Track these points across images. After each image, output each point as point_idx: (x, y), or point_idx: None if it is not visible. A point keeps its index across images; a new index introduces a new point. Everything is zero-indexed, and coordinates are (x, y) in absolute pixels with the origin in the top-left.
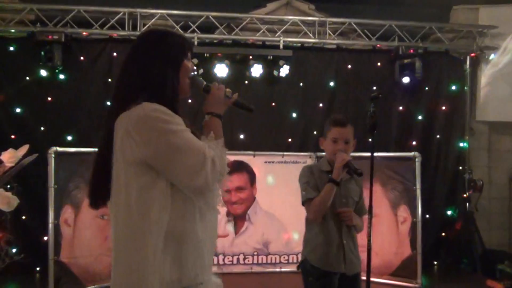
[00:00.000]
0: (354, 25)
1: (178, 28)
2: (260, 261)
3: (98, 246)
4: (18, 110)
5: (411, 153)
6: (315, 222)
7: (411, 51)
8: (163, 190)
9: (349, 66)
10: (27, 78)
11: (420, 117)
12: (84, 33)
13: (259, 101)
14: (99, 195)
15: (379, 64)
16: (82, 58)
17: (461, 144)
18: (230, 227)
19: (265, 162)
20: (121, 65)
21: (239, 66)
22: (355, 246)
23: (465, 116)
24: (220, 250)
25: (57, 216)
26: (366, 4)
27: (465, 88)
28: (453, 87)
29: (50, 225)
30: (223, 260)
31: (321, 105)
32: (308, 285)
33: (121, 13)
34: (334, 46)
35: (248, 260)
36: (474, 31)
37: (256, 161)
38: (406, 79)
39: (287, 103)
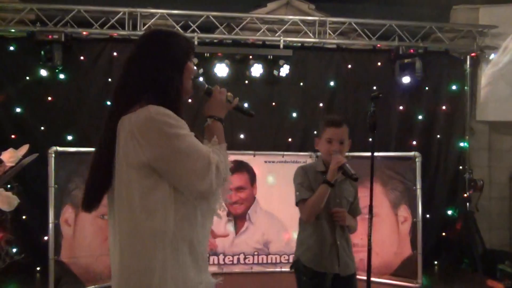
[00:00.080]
0: (354, 25)
1: (178, 28)
2: (260, 261)
3: (99, 246)
4: (18, 109)
5: (412, 153)
6: (308, 222)
7: (411, 51)
8: (166, 193)
9: (349, 66)
10: (27, 77)
11: (420, 117)
12: (84, 33)
13: (259, 101)
14: (95, 198)
15: (379, 64)
16: (82, 57)
17: (462, 144)
18: (230, 227)
19: (265, 162)
20: (123, 65)
21: (239, 66)
22: (349, 247)
23: (465, 116)
24: (221, 250)
25: (57, 216)
26: (366, 3)
27: (465, 88)
28: (453, 87)
29: (51, 225)
30: (224, 260)
31: (321, 104)
32: (301, 285)
33: (121, 13)
34: (334, 46)
35: (249, 260)
36: (474, 31)
37: (256, 160)
38: (406, 79)
39: (287, 103)
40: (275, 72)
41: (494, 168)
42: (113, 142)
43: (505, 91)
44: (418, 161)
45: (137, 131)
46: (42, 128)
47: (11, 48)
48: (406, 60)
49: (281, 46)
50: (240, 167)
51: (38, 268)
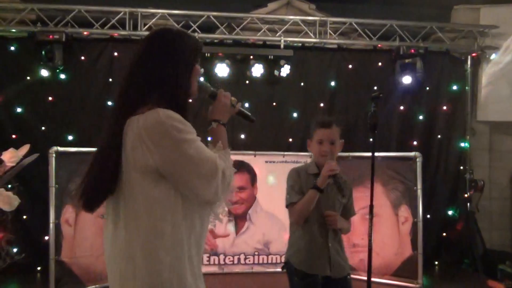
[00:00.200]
0: (355, 25)
1: (179, 28)
2: (261, 261)
3: (99, 246)
4: (19, 109)
5: (412, 153)
6: (297, 225)
7: (412, 51)
8: (172, 198)
9: (350, 66)
10: (28, 78)
11: (421, 117)
12: (85, 33)
13: (260, 101)
14: (98, 199)
15: (380, 64)
16: (83, 57)
17: (462, 144)
18: (231, 227)
19: (266, 162)
20: (131, 63)
21: (240, 66)
22: (342, 249)
23: (466, 116)
24: (221, 250)
25: (58, 215)
26: (367, 3)
27: (466, 88)
28: (454, 87)
29: (51, 225)
30: (224, 260)
31: (322, 105)
32: (293, 285)
33: (122, 13)
34: (335, 46)
35: (249, 260)
36: (475, 31)
37: (257, 160)
38: (407, 79)
39: (288, 103)
40: (276, 72)
41: (494, 168)
42: (120, 143)
43: (506, 91)
44: (419, 161)
45: (145, 135)
46: (43, 128)
47: (12, 48)
48: (406, 60)
49: (282, 46)
50: (241, 167)
51: (38, 268)
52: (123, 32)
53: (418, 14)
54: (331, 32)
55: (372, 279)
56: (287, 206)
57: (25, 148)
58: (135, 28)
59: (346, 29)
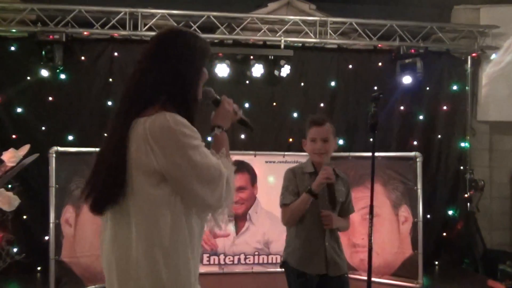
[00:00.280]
0: (355, 25)
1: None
2: (261, 261)
3: (100, 246)
4: (19, 110)
5: (412, 153)
6: (288, 226)
7: (412, 51)
8: (172, 200)
9: (350, 66)
10: (28, 78)
11: (421, 117)
12: (85, 33)
13: (260, 101)
14: (107, 202)
15: (380, 64)
16: (83, 58)
17: (462, 144)
18: (231, 227)
19: (266, 162)
20: (139, 62)
21: (240, 66)
22: (340, 247)
23: (466, 116)
24: (221, 250)
25: (58, 215)
26: (367, 4)
27: (466, 88)
28: (454, 87)
29: (51, 225)
30: (224, 260)
31: (322, 105)
32: (290, 283)
33: (122, 13)
34: (335, 46)
35: (249, 260)
36: (475, 31)
37: (257, 161)
38: (407, 79)
39: (288, 103)
40: (276, 72)
41: (495, 168)
42: (127, 145)
43: (506, 91)
44: (419, 161)
45: (151, 138)
46: (43, 128)
47: (12, 48)
48: (407, 60)
49: (282, 46)
50: (241, 167)
51: (39, 268)
52: (123, 32)
53: (418, 14)
54: (331, 32)
55: (372, 279)
56: (280, 206)
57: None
58: (135, 28)
59: (346, 29)
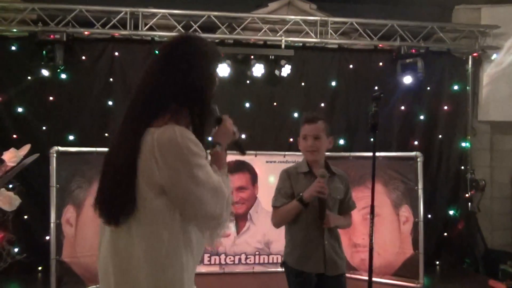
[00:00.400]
0: (356, 25)
1: (180, 28)
2: (261, 261)
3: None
4: (20, 109)
5: (413, 153)
6: (276, 227)
7: (413, 51)
8: (171, 211)
9: (351, 66)
10: (29, 77)
11: (422, 117)
12: (86, 33)
13: (260, 101)
14: (120, 216)
15: (381, 64)
16: (83, 57)
17: (463, 144)
18: (231, 227)
19: (267, 161)
20: (153, 69)
21: (241, 65)
22: (339, 245)
23: (467, 116)
24: (222, 250)
25: (59, 215)
26: (368, 3)
27: (467, 88)
28: (455, 87)
29: (52, 225)
30: (225, 260)
31: (322, 104)
32: (290, 283)
33: (123, 13)
34: (336, 46)
35: (250, 260)
36: (476, 31)
37: (257, 160)
38: (408, 79)
39: (288, 103)
40: (277, 72)
41: (496, 168)
42: (138, 155)
43: (507, 91)
44: (420, 161)
45: (157, 150)
46: (44, 128)
47: (13, 48)
48: (407, 60)
49: (283, 46)
50: (242, 167)
51: (39, 268)
52: (124, 32)
53: (419, 14)
54: (332, 32)
55: (373, 279)
56: (272, 207)
57: (26, 148)
58: (136, 28)
59: (347, 29)
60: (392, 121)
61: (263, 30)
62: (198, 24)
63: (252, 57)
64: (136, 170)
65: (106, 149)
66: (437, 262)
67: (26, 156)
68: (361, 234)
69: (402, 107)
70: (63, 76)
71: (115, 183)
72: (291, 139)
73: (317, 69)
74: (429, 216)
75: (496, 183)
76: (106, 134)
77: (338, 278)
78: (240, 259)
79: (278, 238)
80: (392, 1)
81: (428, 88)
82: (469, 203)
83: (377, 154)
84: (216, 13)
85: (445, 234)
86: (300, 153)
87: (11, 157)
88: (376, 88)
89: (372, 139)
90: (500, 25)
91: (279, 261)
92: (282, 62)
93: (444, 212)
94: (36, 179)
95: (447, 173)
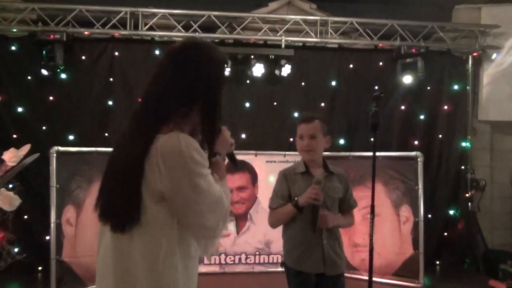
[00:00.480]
0: (356, 25)
1: (180, 28)
2: (262, 261)
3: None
4: (19, 109)
5: (413, 153)
6: (273, 227)
7: (413, 50)
8: (170, 218)
9: (351, 66)
10: (29, 77)
11: (422, 117)
12: (86, 33)
13: (260, 101)
14: (127, 220)
15: (381, 63)
16: (83, 57)
17: (463, 144)
18: (231, 227)
19: (267, 161)
20: (158, 75)
21: (241, 65)
22: (339, 245)
23: (467, 115)
24: (222, 249)
25: (59, 215)
26: (368, 3)
27: (467, 87)
28: (455, 87)
29: (52, 225)
30: (225, 259)
31: (322, 104)
32: (289, 282)
33: (123, 13)
34: (336, 46)
35: (250, 260)
36: (476, 30)
37: (257, 160)
38: (408, 79)
39: (288, 103)
40: (277, 72)
41: (496, 168)
42: (145, 160)
43: (507, 90)
44: (420, 161)
45: (160, 158)
46: (44, 127)
47: (13, 47)
48: (408, 60)
49: (283, 45)
50: (242, 166)
51: (39, 268)
52: (124, 32)
53: (419, 14)
54: (332, 32)
55: (374, 278)
56: (269, 208)
57: (26, 148)
58: (136, 27)
59: (347, 28)
60: (392, 121)
61: (263, 30)
62: (198, 24)
63: (252, 57)
64: (143, 178)
65: (106, 149)
66: (437, 262)
67: (26, 156)
68: (361, 234)
69: (402, 107)
70: (63, 76)
71: (122, 190)
72: (291, 139)
73: (317, 69)
74: (429, 216)
75: (496, 183)
76: (106, 134)
77: (338, 278)
78: (240, 259)
79: (278, 238)
80: (392, 0)
81: (428, 87)
82: (469, 203)
83: (377, 154)
84: (216, 13)
85: (445, 234)
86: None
87: (11, 157)
88: (376, 87)
89: (372, 139)
90: (500, 25)
91: (279, 261)
92: (282, 62)
93: (444, 212)
94: (36, 179)
95: (447, 173)
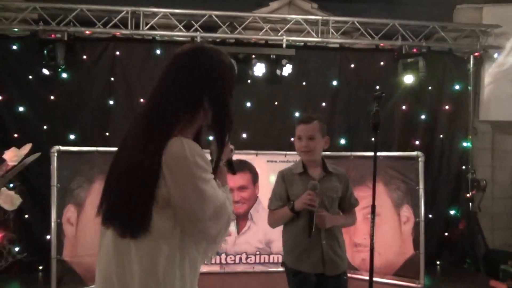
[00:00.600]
0: (357, 24)
1: (181, 27)
2: (262, 261)
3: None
4: (21, 109)
5: (414, 153)
6: (272, 227)
7: (415, 50)
8: (172, 222)
9: (352, 65)
10: (30, 77)
11: (423, 117)
12: (87, 32)
13: (262, 100)
14: (141, 225)
15: (382, 63)
16: (85, 57)
17: (465, 144)
18: (232, 227)
19: (268, 161)
20: (164, 80)
21: (242, 65)
22: (339, 245)
23: (468, 115)
24: (222, 249)
25: (59, 215)
26: (369, 3)
27: (469, 87)
28: (457, 87)
29: (53, 224)
30: (226, 259)
31: (324, 104)
32: (289, 282)
33: (124, 12)
34: (337, 45)
35: (251, 260)
36: (478, 30)
37: (258, 160)
38: (409, 78)
39: (289, 102)
40: (278, 72)
41: (497, 168)
42: (160, 164)
43: (509, 90)
44: (421, 161)
45: (164, 162)
46: (45, 127)
47: (14, 47)
48: (409, 60)
49: (284, 45)
50: (243, 166)
51: (40, 267)
52: (125, 31)
53: (421, 14)
54: (333, 31)
55: (374, 278)
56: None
57: (27, 147)
58: (137, 27)
59: (348, 28)
60: (393, 121)
61: (264, 30)
62: (199, 23)
63: (253, 56)
64: (158, 185)
65: (107, 149)
66: (438, 262)
67: (27, 156)
68: (362, 233)
69: (403, 107)
70: (64, 75)
71: (136, 197)
72: (292, 139)
73: (318, 69)
74: (430, 216)
75: (497, 183)
76: (107, 134)
77: (338, 278)
78: (240, 259)
79: (279, 238)
80: (394, 0)
81: (430, 87)
82: (470, 203)
83: (378, 153)
84: (217, 13)
85: (446, 234)
86: None
87: (12, 156)
88: (377, 87)
89: (373, 139)
90: (502, 25)
91: (280, 260)
92: (283, 61)
93: (445, 212)
94: (37, 179)
95: (448, 173)
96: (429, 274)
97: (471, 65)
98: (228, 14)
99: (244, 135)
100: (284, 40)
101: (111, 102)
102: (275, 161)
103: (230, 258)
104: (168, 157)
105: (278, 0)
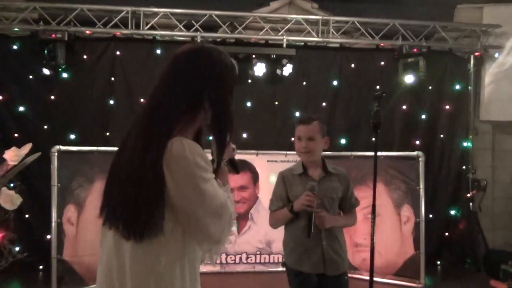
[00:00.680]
0: (358, 24)
1: (181, 27)
2: (262, 261)
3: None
4: (21, 108)
5: (415, 153)
6: (274, 228)
7: (415, 50)
8: (174, 229)
9: (353, 65)
10: (30, 76)
11: (423, 117)
12: (87, 32)
13: (262, 100)
14: (153, 229)
15: (382, 63)
16: (85, 56)
17: (465, 144)
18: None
19: (268, 161)
20: (165, 80)
21: (242, 65)
22: (340, 245)
23: (468, 115)
24: (223, 249)
25: (60, 214)
26: (370, 2)
27: (469, 87)
28: (457, 86)
29: (53, 224)
30: (226, 259)
31: (324, 104)
32: (290, 282)
33: (124, 12)
34: (338, 45)
35: (251, 260)
36: (478, 30)
37: (259, 160)
38: (409, 78)
39: (290, 102)
40: (278, 71)
41: (497, 167)
42: (162, 165)
43: (509, 90)
44: (421, 160)
45: (164, 163)
46: (45, 127)
47: (14, 47)
48: (409, 60)
49: (284, 45)
50: (243, 166)
51: (40, 267)
52: (125, 31)
53: (421, 13)
54: (334, 31)
55: (375, 278)
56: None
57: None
58: (137, 27)
59: (348, 28)
60: (394, 121)
61: (264, 29)
62: (199, 23)
63: (253, 56)
64: (165, 185)
65: (107, 148)
66: (438, 262)
67: (27, 155)
68: (362, 233)
69: (404, 107)
70: (65, 75)
71: (143, 197)
72: (293, 139)
73: (319, 68)
74: (431, 216)
75: (498, 183)
76: (108, 133)
77: (339, 278)
78: (241, 259)
79: (279, 238)
80: (394, 0)
81: (430, 87)
82: (471, 203)
83: (379, 153)
84: (217, 12)
85: (447, 234)
86: None
87: (13, 156)
88: (378, 87)
89: (373, 139)
90: (502, 24)
91: (280, 260)
92: (284, 61)
93: (446, 212)
94: (37, 178)
95: (449, 172)
96: (429, 274)
97: (472, 65)
98: (228, 14)
99: (245, 135)
100: (285, 40)
101: (111, 102)
102: (276, 161)
103: (230, 258)
104: (168, 157)
105: (278, 0)
